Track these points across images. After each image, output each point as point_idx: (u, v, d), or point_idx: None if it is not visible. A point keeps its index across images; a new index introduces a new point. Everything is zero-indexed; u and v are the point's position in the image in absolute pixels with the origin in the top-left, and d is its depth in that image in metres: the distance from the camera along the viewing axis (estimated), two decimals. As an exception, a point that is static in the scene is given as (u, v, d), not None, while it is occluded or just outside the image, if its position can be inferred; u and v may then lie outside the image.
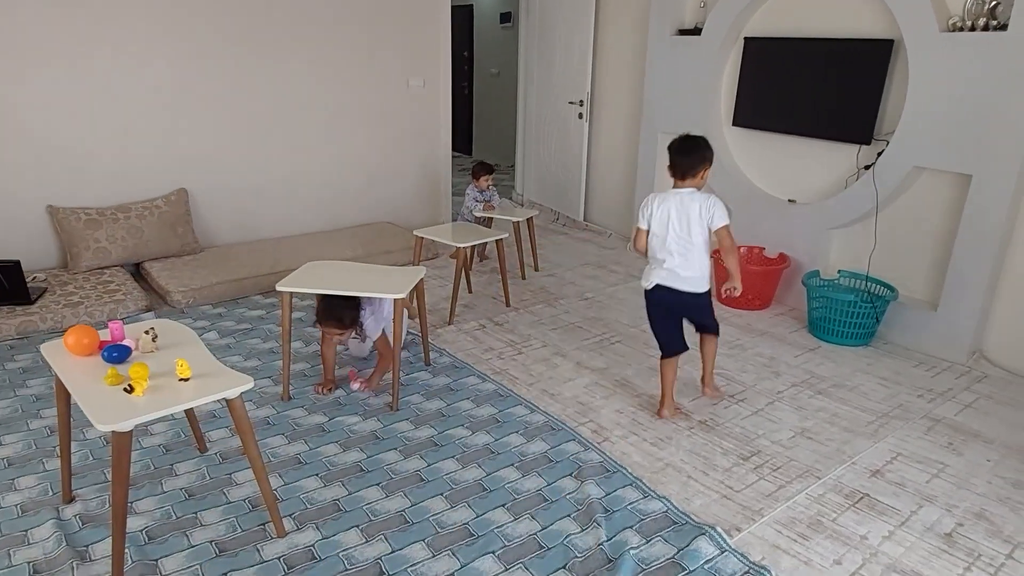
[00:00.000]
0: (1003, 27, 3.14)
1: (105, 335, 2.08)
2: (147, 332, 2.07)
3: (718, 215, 2.66)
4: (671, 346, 2.81)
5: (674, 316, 2.81)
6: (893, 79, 3.63)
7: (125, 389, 1.80)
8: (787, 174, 4.27)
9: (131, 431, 1.74)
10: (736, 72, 4.37)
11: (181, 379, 1.89)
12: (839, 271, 3.92)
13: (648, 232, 2.74)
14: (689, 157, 2.64)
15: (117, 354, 1.96)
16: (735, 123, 4.43)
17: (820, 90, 3.90)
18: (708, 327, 2.90)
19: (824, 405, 3.03)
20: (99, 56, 3.94)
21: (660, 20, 4.69)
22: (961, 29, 3.28)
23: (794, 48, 3.99)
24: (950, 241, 3.49)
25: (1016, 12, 3.06)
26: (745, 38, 4.26)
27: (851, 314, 3.54)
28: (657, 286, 2.74)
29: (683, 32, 4.60)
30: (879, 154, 3.66)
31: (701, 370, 3.03)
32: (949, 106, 3.33)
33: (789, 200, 4.23)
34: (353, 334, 2.97)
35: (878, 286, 3.69)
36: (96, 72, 3.96)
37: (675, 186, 2.70)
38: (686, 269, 2.69)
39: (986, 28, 3.21)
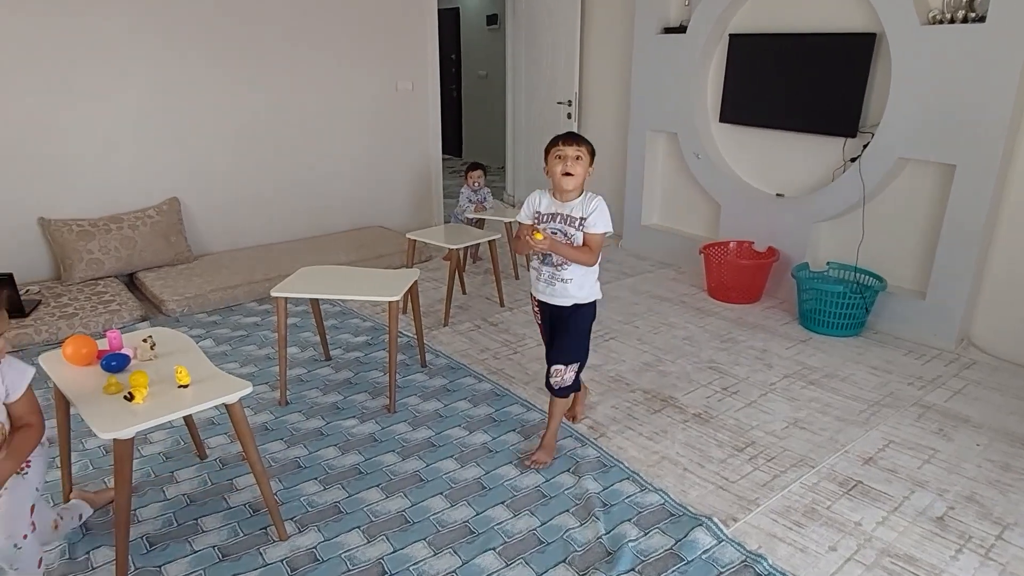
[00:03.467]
0: (981, 19, 3.19)
1: (103, 344, 2.10)
2: (145, 340, 2.09)
3: None
4: None
5: None
6: (876, 72, 3.69)
7: (125, 397, 1.82)
8: (774, 169, 4.31)
9: (132, 439, 1.76)
10: (722, 69, 4.41)
11: (180, 386, 1.91)
12: (828, 263, 3.97)
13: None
14: None
15: (116, 363, 1.97)
16: (722, 119, 4.47)
17: (805, 85, 3.95)
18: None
19: (816, 395, 3.07)
20: (88, 67, 3.95)
21: (645, 19, 4.73)
22: (941, 22, 3.33)
23: (779, 44, 4.04)
24: (936, 230, 3.54)
25: (994, 4, 3.11)
26: (730, 35, 4.31)
27: (841, 305, 3.59)
28: None
29: (668, 30, 4.64)
30: (864, 146, 3.71)
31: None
32: (932, 97, 3.38)
33: (777, 194, 4.27)
34: None
35: (867, 277, 3.74)
36: (85, 83, 3.96)
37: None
38: None
39: (965, 20, 3.26)
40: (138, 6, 4.02)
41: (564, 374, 2.47)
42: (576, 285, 2.41)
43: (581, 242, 2.35)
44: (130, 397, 1.82)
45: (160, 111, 4.26)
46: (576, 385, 2.53)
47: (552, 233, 2.35)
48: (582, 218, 2.33)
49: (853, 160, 3.79)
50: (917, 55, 3.41)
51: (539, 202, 2.43)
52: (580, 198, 2.36)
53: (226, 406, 1.93)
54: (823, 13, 3.88)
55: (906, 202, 3.68)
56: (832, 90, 3.83)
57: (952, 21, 3.30)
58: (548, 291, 2.47)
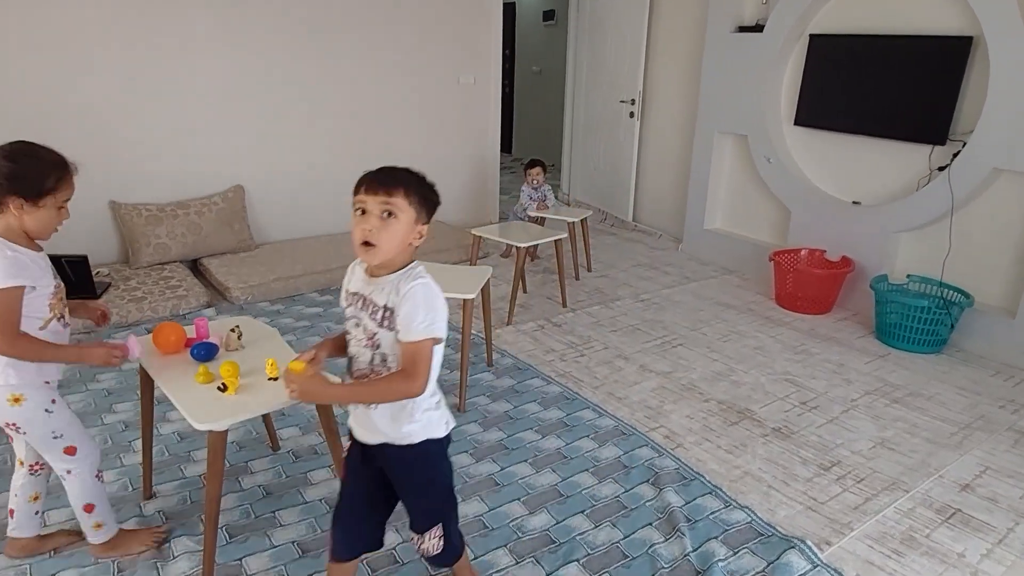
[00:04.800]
0: (1096, 23, 3.01)
1: (191, 332, 2.07)
2: (233, 330, 2.06)
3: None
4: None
5: None
6: (970, 77, 3.51)
7: (219, 388, 1.79)
8: (852, 175, 4.15)
9: (227, 431, 1.72)
10: (799, 70, 4.26)
11: (270, 378, 1.87)
12: (908, 275, 3.80)
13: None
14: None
15: (205, 352, 1.94)
16: (797, 122, 4.32)
17: (891, 89, 3.78)
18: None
19: (902, 414, 2.93)
20: (159, 55, 3.97)
21: (718, 17, 4.59)
22: (1048, 26, 3.16)
23: (864, 45, 3.88)
24: (1031, 246, 3.37)
25: (1111, 8, 2.93)
26: (810, 35, 4.15)
27: (924, 320, 3.43)
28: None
29: (743, 29, 4.50)
30: (955, 155, 3.53)
31: None
32: (1034, 106, 3.21)
33: (854, 202, 4.11)
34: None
35: (952, 292, 3.57)
36: (157, 71, 3.99)
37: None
38: None
39: (1076, 24, 3.08)
40: (213, -7, 4.05)
41: (425, 542, 1.62)
42: (386, 415, 1.48)
43: (390, 350, 1.44)
44: (223, 388, 1.78)
45: (227, 101, 4.27)
46: (457, 545, 1.70)
47: (356, 325, 1.49)
48: (386, 308, 1.41)
49: (941, 169, 3.62)
50: (1019, 60, 3.23)
51: (351, 276, 1.54)
52: (397, 274, 1.44)
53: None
54: (914, 14, 3.70)
55: (998, 215, 3.50)
56: (921, 95, 3.66)
57: (1061, 25, 3.12)
58: (353, 416, 1.55)
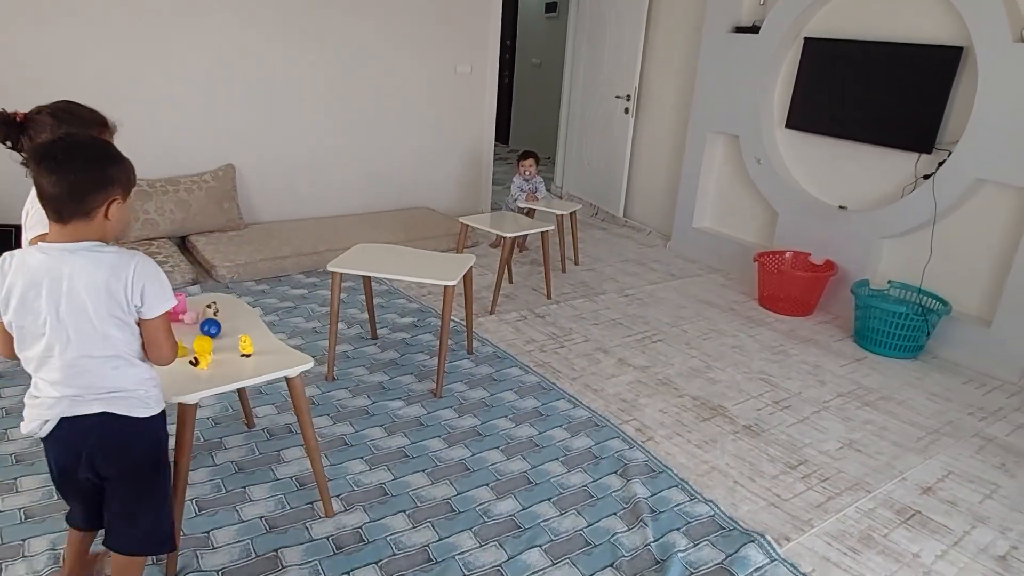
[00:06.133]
0: (1082, 39, 3.04)
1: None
2: (209, 306, 2.09)
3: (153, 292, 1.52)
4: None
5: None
6: (959, 88, 3.54)
7: (191, 362, 1.81)
8: (839, 180, 4.18)
9: (196, 403, 1.75)
10: (792, 73, 4.28)
11: (243, 355, 1.90)
12: (889, 281, 3.84)
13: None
14: (78, 176, 1.38)
15: (216, 329, 1.97)
16: (788, 125, 4.34)
17: (881, 95, 3.81)
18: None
19: (872, 417, 2.97)
20: (154, 31, 3.97)
21: (716, 17, 4.61)
22: (1036, 39, 3.18)
23: (857, 51, 3.90)
24: (1009, 257, 3.40)
25: (1098, 24, 2.96)
26: (805, 38, 4.17)
27: (902, 326, 3.47)
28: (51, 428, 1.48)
29: (740, 30, 4.51)
30: (940, 164, 3.57)
31: None
32: (1019, 119, 3.23)
33: (840, 206, 4.15)
34: None
35: (931, 299, 3.61)
36: (151, 47, 3.99)
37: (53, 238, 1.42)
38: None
39: (1064, 39, 3.11)
40: (210, -30, 4.04)
41: None
42: None
43: None
44: (195, 363, 1.81)
45: (221, 80, 4.27)
46: None
47: None
48: None
49: (926, 177, 3.65)
50: (1007, 73, 3.26)
51: None
52: None
53: (286, 379, 1.92)
54: (908, 23, 3.73)
55: (978, 225, 3.54)
56: (910, 103, 3.69)
57: (1049, 40, 3.15)
58: None
